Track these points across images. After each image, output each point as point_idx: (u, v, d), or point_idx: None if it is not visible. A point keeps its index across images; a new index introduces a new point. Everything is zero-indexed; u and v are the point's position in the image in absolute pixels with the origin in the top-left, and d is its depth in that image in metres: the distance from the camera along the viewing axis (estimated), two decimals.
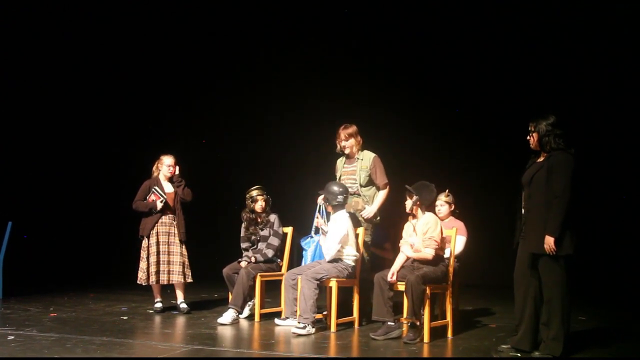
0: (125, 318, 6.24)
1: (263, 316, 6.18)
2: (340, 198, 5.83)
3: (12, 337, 5.06)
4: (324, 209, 6.07)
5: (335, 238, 5.70)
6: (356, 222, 6.01)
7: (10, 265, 7.71)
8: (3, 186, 9.60)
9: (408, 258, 5.48)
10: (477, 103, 9.84)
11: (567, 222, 4.52)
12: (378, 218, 6.17)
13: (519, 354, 4.71)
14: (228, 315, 5.98)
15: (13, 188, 9.77)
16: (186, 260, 6.67)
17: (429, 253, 5.33)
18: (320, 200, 6.06)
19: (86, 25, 10.07)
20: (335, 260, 5.74)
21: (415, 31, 9.93)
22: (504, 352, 4.80)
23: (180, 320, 6.15)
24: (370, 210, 6.06)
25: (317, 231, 6.12)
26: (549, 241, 4.51)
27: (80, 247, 10.43)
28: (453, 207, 6.38)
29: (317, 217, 6.03)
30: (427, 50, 9.99)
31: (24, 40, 9.68)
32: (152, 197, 6.60)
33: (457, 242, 5.91)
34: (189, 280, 6.66)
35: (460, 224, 6.24)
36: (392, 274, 5.34)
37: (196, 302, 7.45)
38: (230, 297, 6.29)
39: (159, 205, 6.57)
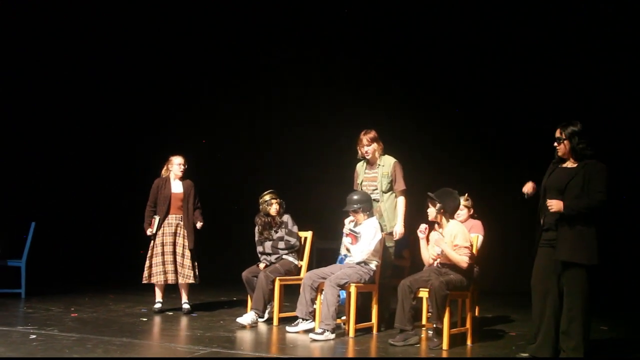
0: (144, 319, 6.29)
1: (282, 320, 6.19)
2: (368, 205, 5.85)
3: (34, 336, 5.12)
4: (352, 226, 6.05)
5: (372, 242, 5.72)
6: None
7: (33, 265, 7.81)
8: (25, 188, 9.74)
9: (437, 257, 5.47)
10: (491, 108, 9.83)
11: (596, 232, 4.52)
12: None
13: None
14: (248, 317, 6.01)
15: (35, 190, 9.90)
16: (189, 261, 6.70)
17: (464, 261, 5.31)
18: (346, 223, 6.00)
19: (97, 30, 10.20)
20: (359, 262, 5.75)
21: (432, 38, 9.96)
22: None
23: (199, 323, 6.17)
24: (399, 230, 6.04)
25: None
26: (559, 204, 4.50)
27: (101, 248, 10.52)
28: (472, 211, 6.38)
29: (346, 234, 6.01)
30: (445, 57, 10.00)
31: (36, 45, 9.80)
32: (152, 222, 6.70)
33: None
34: (190, 280, 6.68)
35: (477, 223, 6.26)
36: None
37: (215, 304, 7.49)
38: (249, 300, 6.32)
39: (148, 232, 6.71)
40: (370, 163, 6.22)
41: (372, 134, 6.16)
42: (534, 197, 4.81)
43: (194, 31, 10.70)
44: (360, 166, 6.32)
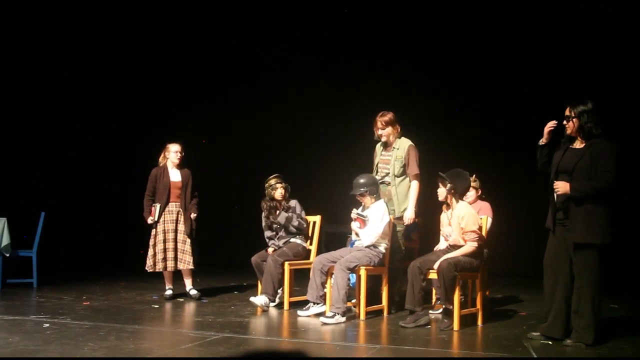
0: (156, 306, 6.33)
1: (292, 304, 6.22)
2: (374, 188, 5.85)
3: (48, 325, 5.16)
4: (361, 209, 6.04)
5: (379, 225, 5.73)
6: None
7: (44, 255, 7.86)
8: (35, 178, 9.78)
9: (446, 239, 5.49)
10: (498, 92, 9.79)
11: (607, 211, 4.51)
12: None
13: (550, 342, 4.69)
14: (261, 298, 6.07)
15: (44, 180, 9.94)
16: (189, 247, 6.74)
17: (471, 246, 5.31)
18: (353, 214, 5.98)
19: (97, 30, 10.20)
20: (369, 245, 5.76)
21: (435, 26, 9.90)
22: (534, 339, 4.78)
23: (210, 309, 6.21)
24: (408, 215, 6.00)
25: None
26: (565, 186, 4.51)
27: (111, 237, 10.57)
28: (480, 192, 6.38)
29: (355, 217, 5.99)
30: (450, 43, 9.94)
31: (50, 44, 9.83)
32: (152, 210, 6.73)
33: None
34: (190, 266, 6.73)
35: (486, 205, 6.25)
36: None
37: (225, 290, 7.53)
38: (259, 285, 6.35)
39: (149, 221, 6.73)
40: (387, 145, 6.19)
41: (388, 117, 6.10)
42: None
43: (194, 31, 10.68)
44: (379, 147, 6.28)
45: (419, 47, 10.05)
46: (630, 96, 8.90)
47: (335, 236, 8.85)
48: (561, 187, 4.57)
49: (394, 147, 6.12)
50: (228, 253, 10.42)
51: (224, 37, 10.83)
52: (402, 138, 6.15)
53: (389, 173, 6.08)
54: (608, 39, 8.91)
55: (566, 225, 4.64)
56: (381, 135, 6.12)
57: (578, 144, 4.68)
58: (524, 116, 9.14)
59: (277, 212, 6.53)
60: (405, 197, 6.05)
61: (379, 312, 5.87)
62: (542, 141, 4.81)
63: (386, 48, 10.20)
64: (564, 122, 4.70)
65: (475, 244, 5.31)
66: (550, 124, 4.76)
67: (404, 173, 6.07)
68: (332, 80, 10.36)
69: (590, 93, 8.32)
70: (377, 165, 6.22)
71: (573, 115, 4.65)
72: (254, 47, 10.81)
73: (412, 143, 6.11)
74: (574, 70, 9.06)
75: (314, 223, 6.65)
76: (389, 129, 6.09)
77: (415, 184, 6.04)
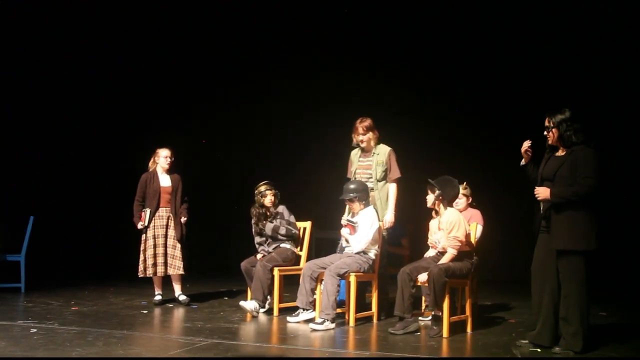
0: (144, 312, 6.30)
1: (282, 310, 6.20)
2: (364, 194, 5.85)
3: (35, 330, 5.13)
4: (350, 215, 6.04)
5: (369, 232, 5.73)
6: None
7: (32, 259, 7.81)
8: (24, 182, 9.73)
9: (435, 246, 5.50)
10: (489, 98, 9.83)
11: (591, 218, 4.52)
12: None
13: (538, 349, 4.70)
14: (251, 303, 6.04)
15: (34, 184, 9.90)
16: (179, 253, 6.74)
17: (451, 253, 5.32)
18: (344, 221, 5.99)
19: (97, 30, 10.19)
20: (359, 252, 5.76)
21: (427, 28, 9.93)
22: (523, 347, 4.79)
23: (200, 314, 6.19)
24: (388, 219, 6.02)
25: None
26: (545, 192, 4.54)
27: (100, 242, 10.53)
28: (470, 199, 6.39)
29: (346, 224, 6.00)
30: (439, 45, 9.97)
31: (36, 45, 9.81)
32: (142, 215, 6.73)
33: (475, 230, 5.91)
34: (180, 272, 6.73)
35: (476, 212, 6.26)
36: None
37: (215, 296, 7.50)
38: (248, 291, 6.33)
39: (139, 226, 6.73)
40: (365, 151, 6.20)
41: (368, 122, 6.12)
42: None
43: (194, 31, 10.68)
44: (355, 154, 6.29)
45: (418, 50, 10.08)
46: (631, 96, 8.94)
47: (326, 242, 8.85)
48: (541, 192, 4.61)
49: (373, 153, 6.14)
50: (218, 258, 10.40)
51: (224, 37, 10.83)
52: (381, 144, 6.18)
53: (370, 178, 6.09)
54: (608, 39, 8.95)
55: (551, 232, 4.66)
56: (362, 141, 6.13)
57: (560, 152, 4.72)
58: (519, 123, 9.18)
59: (266, 219, 6.52)
60: (387, 201, 6.06)
61: (369, 319, 5.86)
62: (522, 162, 4.88)
63: (385, 49, 10.23)
64: (545, 133, 4.73)
65: (455, 251, 5.32)
66: (525, 145, 4.82)
67: (385, 178, 6.09)
68: (323, 86, 10.37)
69: (589, 94, 8.44)
70: (355, 172, 6.22)
71: (552, 125, 4.68)
72: (253, 47, 10.80)
73: (391, 148, 6.13)
74: (569, 76, 9.11)
75: (304, 229, 6.64)
76: (370, 134, 6.11)
77: (394, 187, 6.07)
